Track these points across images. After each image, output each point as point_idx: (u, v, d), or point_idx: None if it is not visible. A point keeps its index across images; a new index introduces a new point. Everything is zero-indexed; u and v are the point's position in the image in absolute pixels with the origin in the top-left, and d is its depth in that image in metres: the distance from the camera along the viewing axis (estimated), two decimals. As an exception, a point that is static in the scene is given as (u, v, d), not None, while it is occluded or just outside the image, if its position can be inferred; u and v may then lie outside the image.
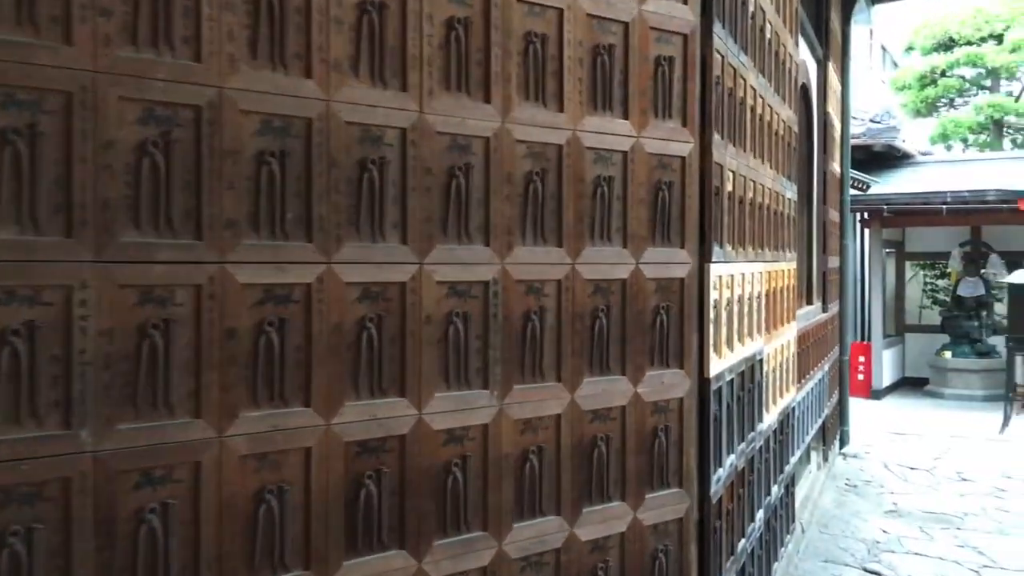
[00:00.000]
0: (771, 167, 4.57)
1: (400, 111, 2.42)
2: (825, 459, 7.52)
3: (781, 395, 4.99)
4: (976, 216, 12.58)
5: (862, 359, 13.40)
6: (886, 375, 13.55)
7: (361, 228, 2.36)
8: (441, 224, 2.52)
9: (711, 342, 3.29)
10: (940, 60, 16.04)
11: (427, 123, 2.47)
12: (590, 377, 2.86)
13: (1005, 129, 16.58)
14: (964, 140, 17.03)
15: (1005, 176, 12.61)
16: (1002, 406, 11.07)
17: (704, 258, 3.25)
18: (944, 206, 12.10)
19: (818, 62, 7.31)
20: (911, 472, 8.07)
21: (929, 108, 16.80)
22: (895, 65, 21.58)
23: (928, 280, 15.17)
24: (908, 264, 15.16)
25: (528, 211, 2.70)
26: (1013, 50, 15.19)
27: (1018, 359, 10.91)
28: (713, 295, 3.32)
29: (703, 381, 3.25)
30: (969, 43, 15.95)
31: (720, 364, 3.43)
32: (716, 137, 3.33)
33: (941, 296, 14.78)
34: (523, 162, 2.69)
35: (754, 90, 4.05)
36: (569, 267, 2.79)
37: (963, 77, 16.53)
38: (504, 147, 2.64)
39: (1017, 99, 16.15)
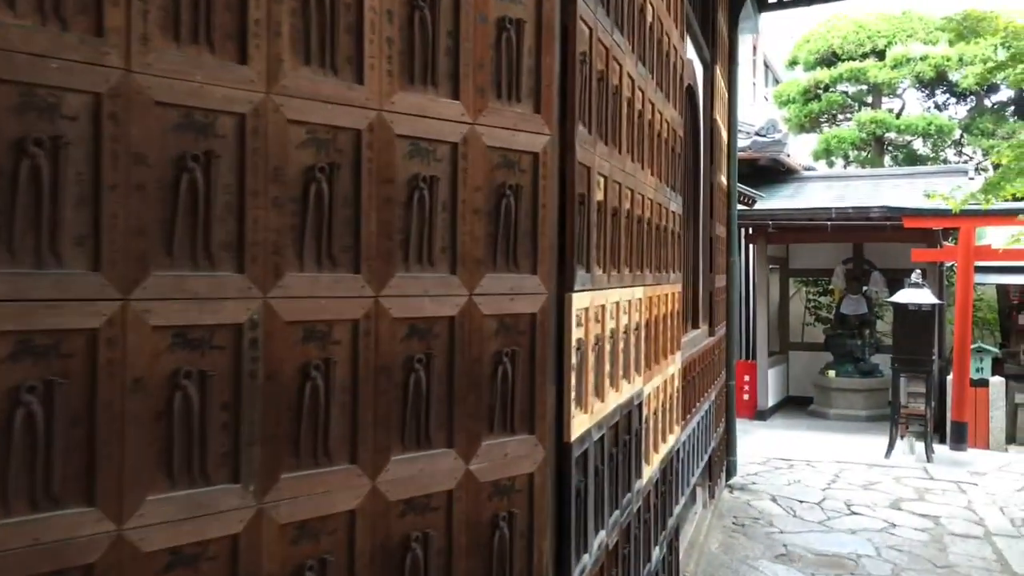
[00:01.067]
0: (653, 174, 3.88)
1: (90, 67, 1.58)
2: (711, 495, 6.92)
3: (664, 439, 4.30)
4: (860, 233, 12.37)
5: (747, 379, 13.03)
6: (771, 395, 13.21)
7: (17, 247, 1.50)
8: (163, 241, 1.68)
9: (573, 394, 2.54)
10: (823, 75, 15.92)
11: (137, 88, 1.63)
12: (401, 454, 2.06)
13: (886, 146, 16.62)
14: (846, 156, 17.01)
15: (888, 193, 12.47)
16: (886, 427, 10.79)
17: (564, 286, 2.50)
18: (829, 222, 11.82)
19: (705, 65, 6.74)
20: (800, 506, 7.56)
21: (812, 123, 16.67)
22: (776, 81, 21.63)
23: (811, 297, 14.98)
24: (792, 281, 14.94)
25: (308, 222, 1.89)
26: (894, 66, 15.15)
27: (902, 380, 10.65)
28: (576, 333, 2.57)
29: (562, 447, 2.50)
30: (852, 58, 15.88)
31: (586, 421, 2.69)
32: (582, 130, 2.60)
33: (824, 313, 14.59)
34: (301, 152, 1.88)
35: (632, 80, 3.35)
36: (371, 301, 1.99)
37: (846, 92, 16.47)
38: (270, 128, 1.82)
39: (898, 115, 16.17)
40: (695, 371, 5.68)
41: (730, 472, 8.16)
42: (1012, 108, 16.19)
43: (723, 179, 7.70)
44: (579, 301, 2.58)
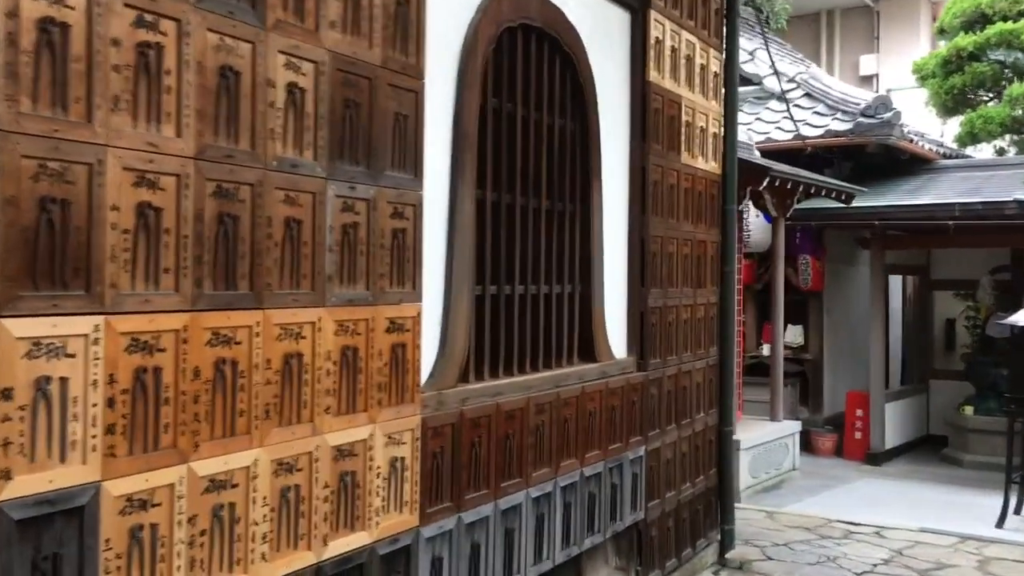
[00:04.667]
0: (189, 144, 2.50)
1: None
2: (640, 584, 5.17)
3: (320, 538, 2.86)
4: (996, 236, 9.79)
5: (860, 413, 10.74)
6: (892, 434, 10.79)
7: None
8: None
9: None
10: (965, 41, 12.76)
11: None
12: None
13: (1059, 127, 13.24)
14: (1018, 141, 13.74)
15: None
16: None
17: None
18: (952, 222, 9.41)
19: (632, 11, 5.09)
20: (799, 601, 5.63)
21: (956, 101, 13.49)
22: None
23: (970, 314, 12.20)
24: (938, 294, 12.25)
25: None
26: (1058, 25, 11.95)
27: (1025, 426, 8.11)
28: None
29: None
30: (1005, 18, 12.72)
31: None
32: None
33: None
34: None
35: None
36: None
37: (1000, 62, 13.12)
38: None
39: (1061, 89, 12.73)
40: (531, 424, 4.10)
41: (727, 544, 6.29)
42: None
43: (708, 165, 5.94)
44: None
